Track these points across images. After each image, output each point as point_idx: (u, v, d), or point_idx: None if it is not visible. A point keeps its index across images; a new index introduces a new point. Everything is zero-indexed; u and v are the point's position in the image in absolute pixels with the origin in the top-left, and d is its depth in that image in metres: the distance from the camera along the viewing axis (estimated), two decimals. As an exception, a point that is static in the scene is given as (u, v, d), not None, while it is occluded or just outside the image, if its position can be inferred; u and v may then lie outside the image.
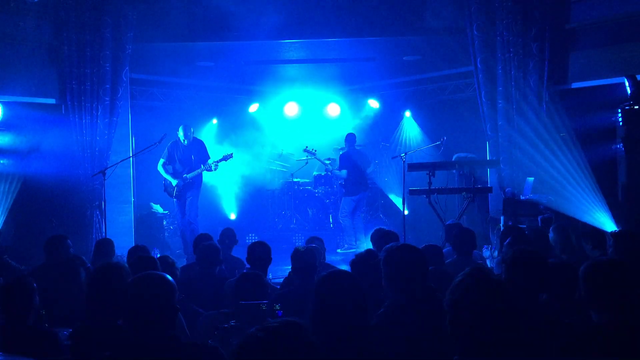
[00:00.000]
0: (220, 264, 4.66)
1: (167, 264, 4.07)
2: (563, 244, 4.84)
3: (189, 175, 7.69)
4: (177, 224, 8.13)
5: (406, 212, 8.91)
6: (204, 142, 8.00)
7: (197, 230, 7.33)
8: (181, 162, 7.79)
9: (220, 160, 7.78)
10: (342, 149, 8.97)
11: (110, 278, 2.84)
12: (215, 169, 7.81)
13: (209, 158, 7.84)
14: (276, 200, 10.37)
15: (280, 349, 1.56)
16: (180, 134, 7.73)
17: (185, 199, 7.79)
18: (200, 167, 7.74)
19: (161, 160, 7.83)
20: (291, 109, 10.91)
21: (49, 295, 3.66)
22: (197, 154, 7.82)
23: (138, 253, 4.47)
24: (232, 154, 7.90)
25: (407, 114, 10.26)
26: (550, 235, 4.98)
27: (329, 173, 9.30)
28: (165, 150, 7.82)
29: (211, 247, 4.59)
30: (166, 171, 7.83)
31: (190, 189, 7.80)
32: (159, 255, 7.69)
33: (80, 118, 7.29)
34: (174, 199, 7.87)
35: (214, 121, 10.43)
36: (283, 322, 1.64)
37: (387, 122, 10.46)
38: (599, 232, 4.86)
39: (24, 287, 3.13)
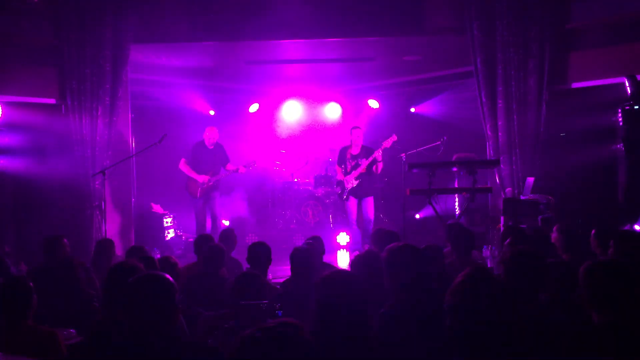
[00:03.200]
0: (224, 265, 4.67)
1: (169, 265, 4.06)
2: (566, 244, 4.84)
3: (215, 178, 7.90)
4: (197, 223, 8.11)
5: (418, 216, 8.85)
6: (224, 147, 8.16)
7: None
8: (207, 163, 7.96)
9: (245, 166, 7.96)
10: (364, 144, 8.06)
11: (126, 277, 2.82)
12: (242, 172, 8.02)
13: (229, 161, 8.05)
14: (276, 200, 10.38)
15: (278, 349, 1.56)
16: (208, 137, 7.95)
17: (207, 199, 7.95)
18: (223, 170, 7.97)
19: (183, 160, 7.99)
20: (291, 109, 10.92)
21: (48, 295, 3.66)
22: (220, 158, 8.04)
23: (136, 253, 4.46)
24: (255, 162, 8.04)
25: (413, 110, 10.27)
26: (554, 234, 4.98)
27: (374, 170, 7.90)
28: (190, 151, 8.02)
29: (216, 249, 4.59)
30: (191, 168, 7.94)
31: (214, 190, 8.01)
32: (159, 256, 7.73)
33: (80, 118, 7.28)
34: (197, 199, 7.91)
35: (212, 112, 10.41)
36: (280, 322, 1.64)
37: (387, 122, 10.46)
38: (606, 230, 4.83)
39: (21, 287, 3.13)
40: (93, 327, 2.89)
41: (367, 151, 7.78)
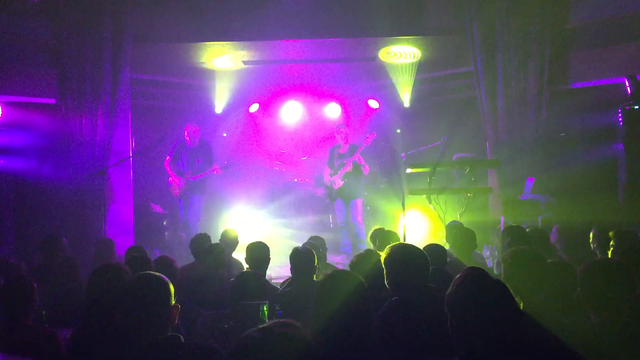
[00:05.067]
0: (224, 265, 4.65)
1: (165, 264, 4.04)
2: (566, 244, 4.84)
3: (192, 178, 7.62)
4: (179, 223, 8.08)
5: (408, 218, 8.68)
6: (210, 145, 7.96)
7: (193, 233, 7.24)
8: (185, 162, 7.73)
9: (222, 167, 7.66)
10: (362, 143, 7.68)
11: (109, 279, 2.83)
12: (217, 173, 7.74)
13: (214, 160, 7.76)
14: (276, 200, 10.37)
15: (278, 349, 1.56)
16: (186, 135, 7.68)
17: (188, 200, 7.75)
18: (204, 170, 7.65)
19: (167, 158, 7.80)
20: (291, 109, 10.92)
21: (48, 294, 3.67)
22: (203, 157, 7.73)
23: (133, 253, 4.45)
24: (234, 163, 7.86)
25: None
26: (553, 234, 4.98)
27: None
28: (172, 148, 7.77)
29: (216, 249, 4.57)
30: (171, 169, 7.78)
31: (195, 192, 7.72)
32: (159, 255, 7.70)
33: (80, 118, 7.29)
34: (178, 199, 7.84)
35: (218, 111, 10.36)
36: (279, 322, 1.64)
37: (387, 122, 10.45)
38: (604, 230, 4.84)
39: (23, 287, 3.14)
40: (77, 329, 2.88)
41: (353, 149, 7.50)
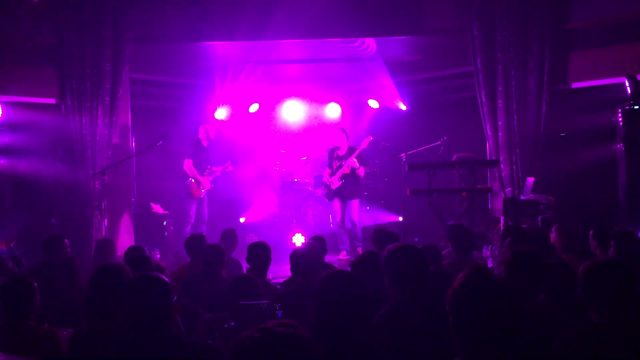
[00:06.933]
0: (225, 266, 4.63)
1: (156, 266, 4.03)
2: (565, 244, 4.84)
3: (211, 179, 7.82)
4: (193, 226, 8.04)
5: (400, 219, 8.73)
6: (219, 143, 8.08)
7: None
8: (206, 163, 7.85)
9: (232, 163, 7.90)
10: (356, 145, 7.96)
11: (109, 279, 2.83)
12: (228, 170, 7.96)
13: (223, 160, 7.97)
14: (276, 200, 10.36)
15: (278, 350, 1.56)
16: (201, 134, 7.81)
17: (201, 202, 7.86)
18: (217, 170, 7.87)
19: (190, 161, 7.75)
20: (291, 109, 10.92)
21: (48, 295, 3.67)
22: (212, 157, 7.94)
23: (133, 253, 4.45)
24: (237, 158, 7.97)
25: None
26: (553, 235, 4.98)
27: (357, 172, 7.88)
28: (191, 151, 7.82)
29: (216, 249, 4.55)
30: (197, 171, 7.74)
31: (206, 193, 7.92)
32: (159, 256, 7.72)
33: (80, 118, 7.29)
34: (197, 200, 7.83)
35: (219, 114, 10.37)
36: (280, 322, 1.64)
37: (387, 122, 10.45)
38: (604, 230, 4.84)
39: (25, 287, 3.14)
40: (79, 328, 2.87)
41: (352, 152, 7.81)
